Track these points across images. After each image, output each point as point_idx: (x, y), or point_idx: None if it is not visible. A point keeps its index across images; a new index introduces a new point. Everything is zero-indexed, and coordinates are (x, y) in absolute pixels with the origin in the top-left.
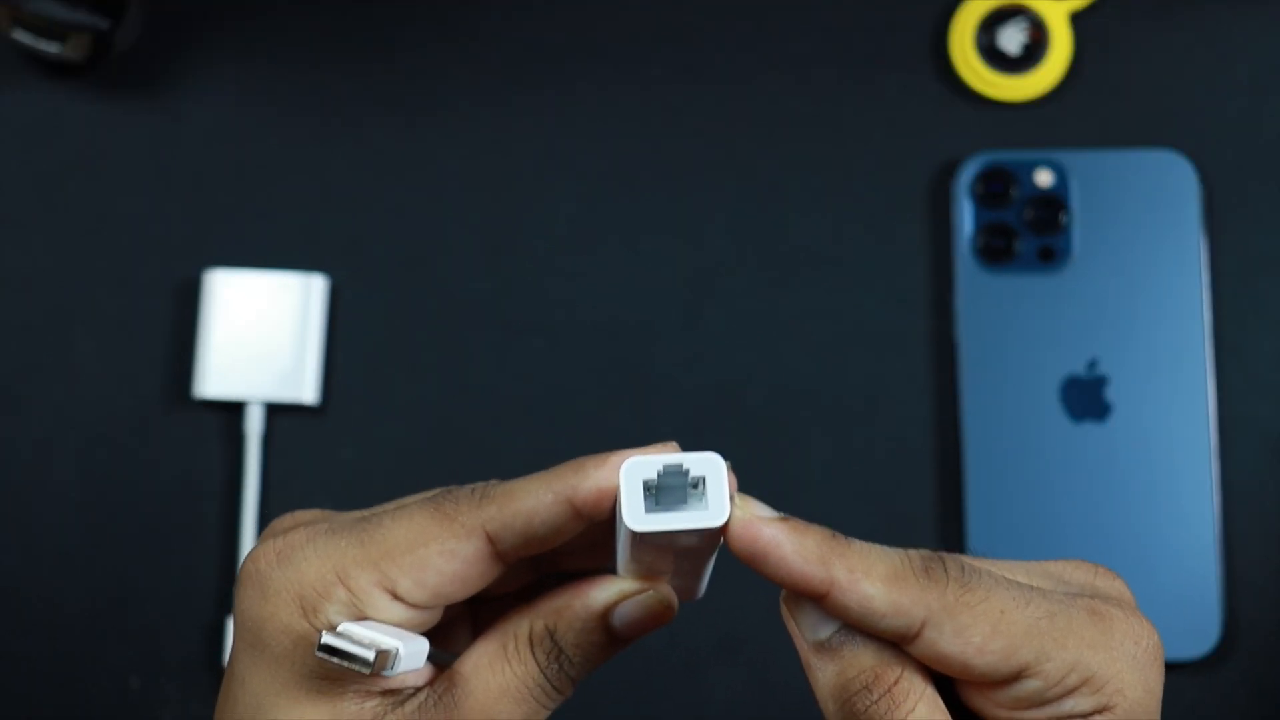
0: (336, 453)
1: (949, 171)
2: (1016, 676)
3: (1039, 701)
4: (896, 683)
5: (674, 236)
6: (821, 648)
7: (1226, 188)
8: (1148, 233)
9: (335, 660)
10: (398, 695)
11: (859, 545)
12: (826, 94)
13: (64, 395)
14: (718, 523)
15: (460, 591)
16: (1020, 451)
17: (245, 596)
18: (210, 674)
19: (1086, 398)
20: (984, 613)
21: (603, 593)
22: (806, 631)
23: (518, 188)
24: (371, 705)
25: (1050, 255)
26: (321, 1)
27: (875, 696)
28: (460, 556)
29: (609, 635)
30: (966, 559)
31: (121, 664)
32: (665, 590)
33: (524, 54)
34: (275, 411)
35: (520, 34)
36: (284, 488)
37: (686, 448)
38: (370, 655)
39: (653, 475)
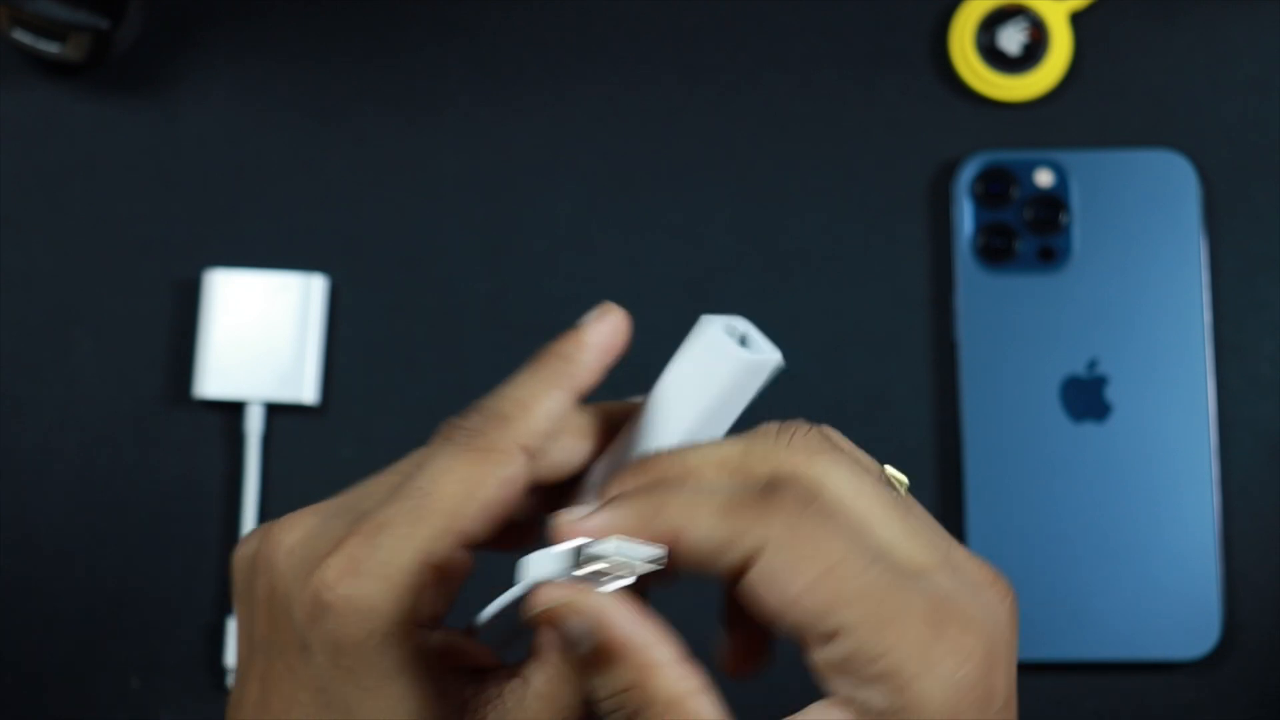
0: (336, 452)
1: (949, 171)
2: (829, 637)
3: (841, 672)
4: (644, 709)
5: (674, 236)
6: (581, 663)
7: (1227, 188)
8: (1148, 233)
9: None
10: (490, 683)
11: (686, 489)
12: (826, 94)
13: (64, 395)
14: None
15: (512, 510)
16: (1020, 451)
17: (333, 626)
18: (210, 674)
19: (1086, 398)
20: (824, 550)
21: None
22: (569, 647)
23: (518, 188)
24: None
25: (1050, 255)
26: (321, 1)
27: (625, 713)
28: (513, 482)
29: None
30: (829, 493)
31: (121, 664)
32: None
33: (524, 54)
34: (275, 411)
35: (520, 34)
36: (284, 488)
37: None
38: (656, 553)
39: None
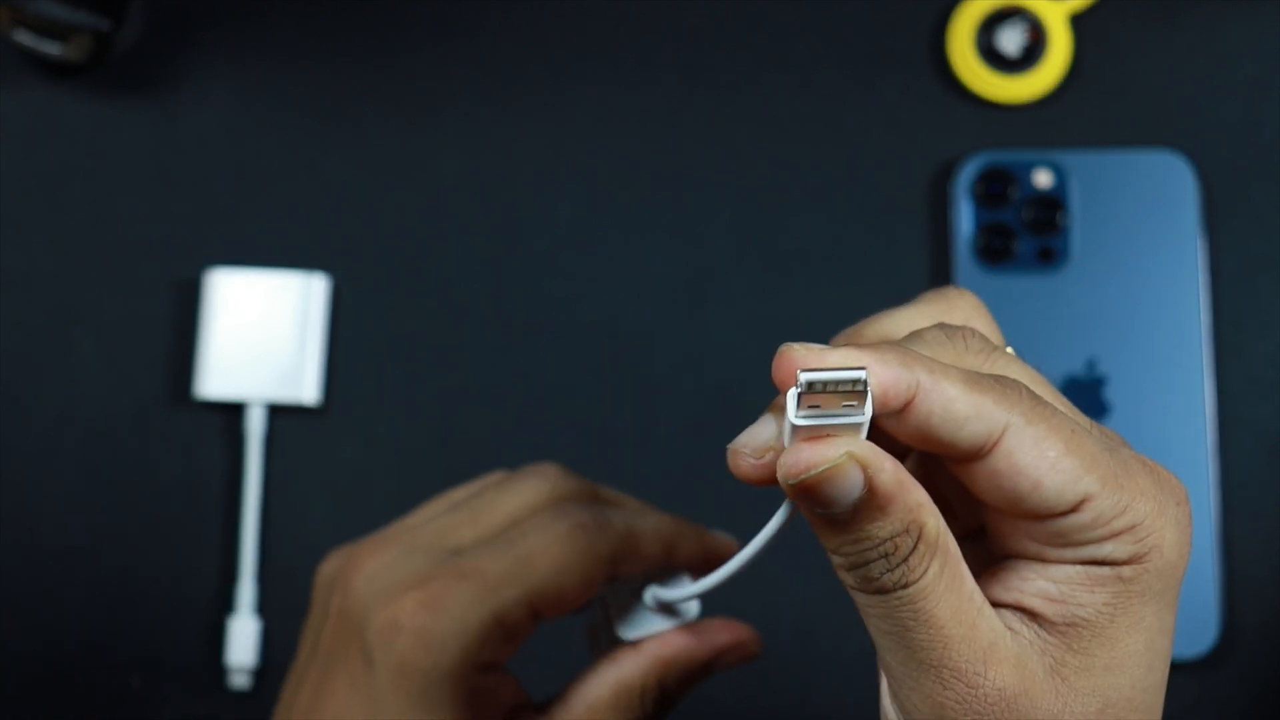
0: (337, 453)
1: (948, 172)
2: (1074, 506)
3: (1080, 540)
4: (913, 548)
5: (674, 236)
6: (834, 522)
7: (1225, 188)
8: (1146, 233)
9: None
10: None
11: (925, 350)
12: (826, 94)
13: (64, 395)
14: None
15: (579, 605)
16: None
17: (403, 649)
18: (210, 674)
19: (1085, 398)
20: (1058, 426)
21: (708, 643)
22: (821, 509)
23: (518, 188)
24: None
25: (1049, 256)
26: (321, 1)
27: (889, 563)
28: (592, 582)
29: (707, 675)
30: (1041, 388)
31: (121, 664)
32: (755, 640)
33: (524, 54)
34: (276, 412)
35: (520, 34)
36: (285, 488)
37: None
38: (860, 375)
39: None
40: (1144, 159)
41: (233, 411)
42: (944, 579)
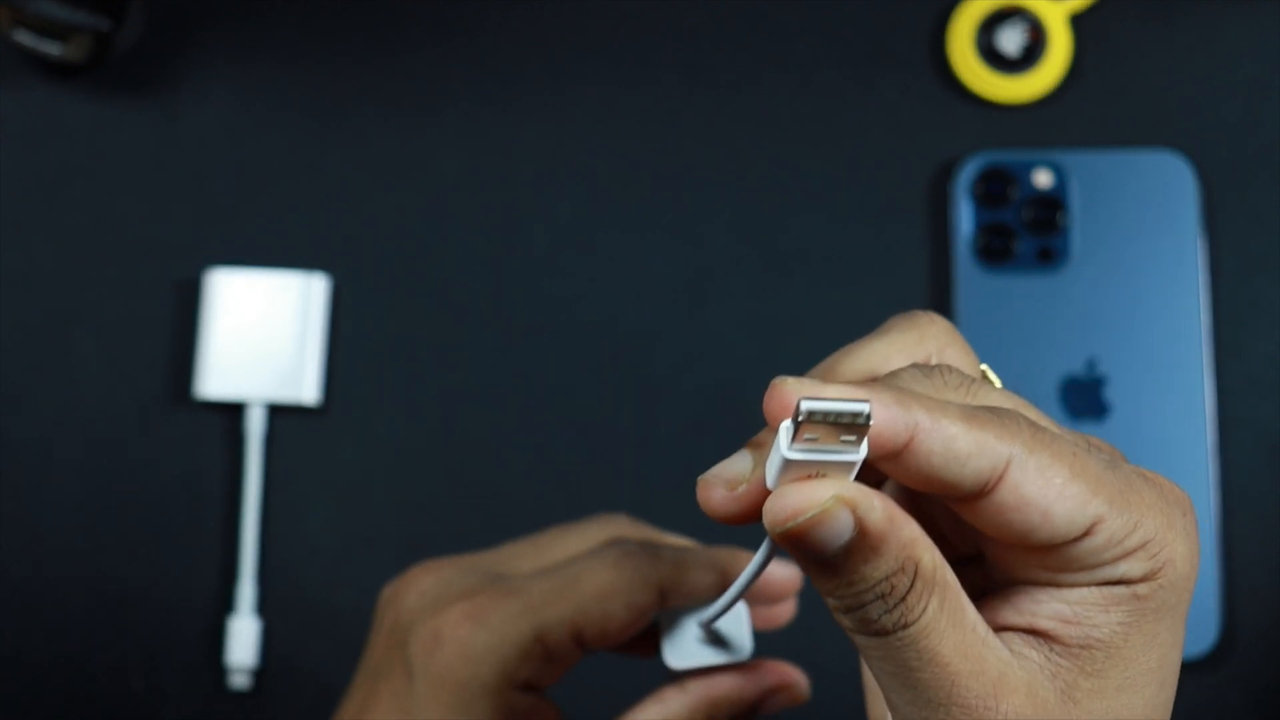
0: (337, 453)
1: (948, 172)
2: (1086, 531)
3: (1094, 563)
4: (911, 585)
5: (674, 236)
6: (825, 566)
7: (1225, 188)
8: (1146, 233)
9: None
10: None
11: (921, 387)
12: (826, 94)
13: (64, 395)
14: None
15: (627, 635)
16: None
17: (443, 660)
18: (210, 674)
19: (1085, 397)
20: (1060, 453)
21: (755, 684)
22: (811, 558)
23: (518, 188)
24: None
25: (1049, 255)
26: (321, 1)
27: (887, 605)
28: (639, 609)
29: (753, 716)
30: (1033, 413)
31: (121, 664)
32: (804, 683)
33: (524, 54)
34: (276, 412)
35: (520, 34)
36: (285, 488)
37: (686, 447)
38: (864, 408)
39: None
40: (1144, 159)
41: (233, 411)
42: (945, 614)
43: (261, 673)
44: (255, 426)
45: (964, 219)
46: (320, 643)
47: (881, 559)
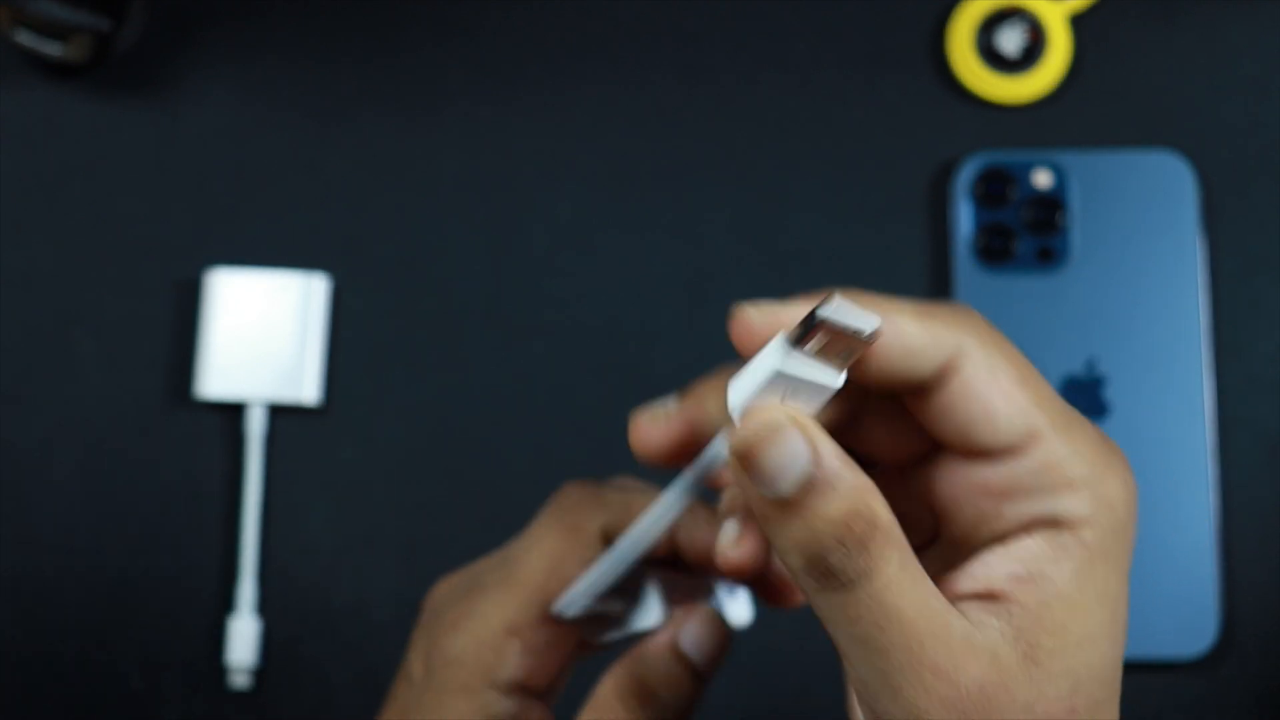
0: (338, 453)
1: (948, 172)
2: (1024, 442)
3: (1034, 486)
4: (869, 533)
5: (674, 236)
6: (783, 505)
7: (1225, 188)
8: (1146, 233)
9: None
10: None
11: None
12: (826, 94)
13: (64, 395)
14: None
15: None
16: None
17: (433, 668)
18: (210, 674)
19: (1085, 397)
20: (1012, 356)
21: (666, 631)
22: (766, 485)
23: (518, 188)
24: None
25: (1049, 256)
26: (322, 1)
27: (847, 550)
28: (590, 562)
29: (687, 667)
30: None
31: (121, 664)
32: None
33: (524, 54)
34: (276, 412)
35: (520, 34)
36: (285, 488)
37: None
38: (870, 327)
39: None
40: (1143, 159)
41: (233, 412)
42: (906, 573)
43: (261, 672)
44: (255, 426)
45: (964, 219)
46: (320, 642)
47: (837, 495)
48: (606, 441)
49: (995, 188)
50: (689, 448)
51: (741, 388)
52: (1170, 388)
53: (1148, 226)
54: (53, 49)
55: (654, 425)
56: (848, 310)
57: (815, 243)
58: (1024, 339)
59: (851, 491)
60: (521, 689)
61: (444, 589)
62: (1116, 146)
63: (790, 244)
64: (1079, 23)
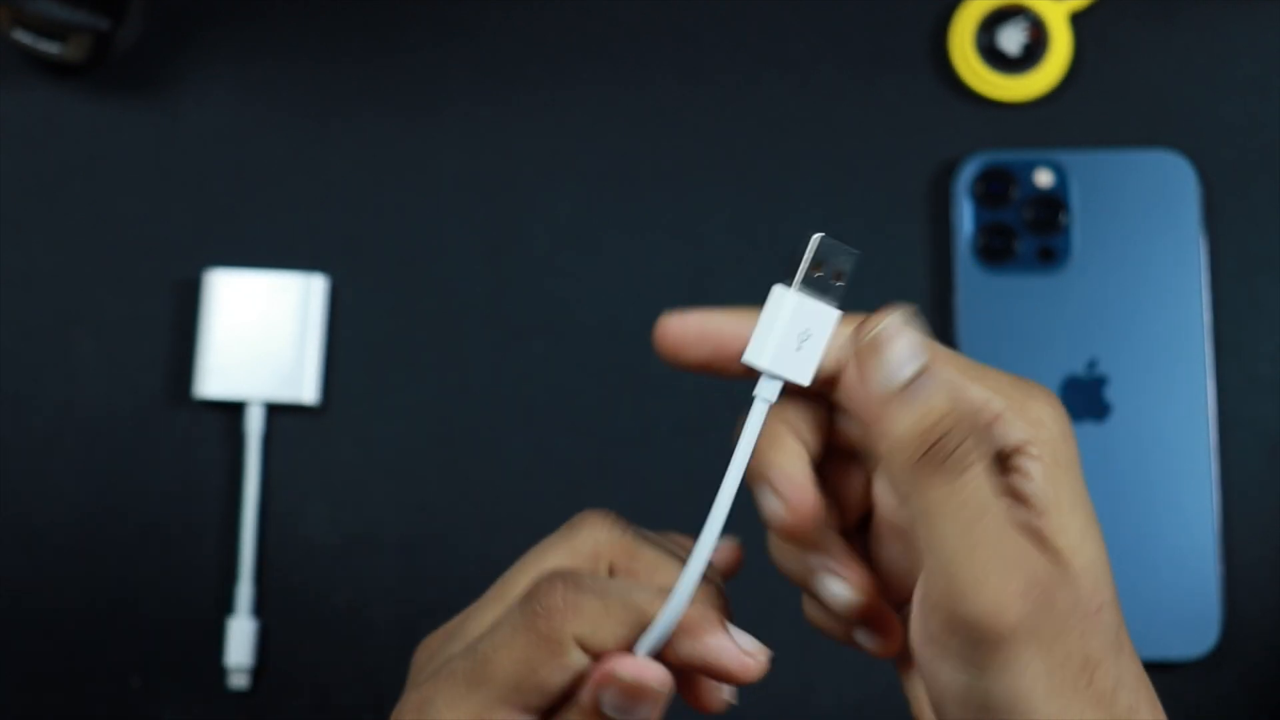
0: (337, 453)
1: (949, 171)
2: None
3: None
4: (973, 426)
5: (674, 236)
6: (897, 398)
7: (1226, 188)
8: (1147, 233)
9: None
10: None
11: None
12: (826, 94)
13: (64, 395)
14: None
15: (574, 686)
16: None
17: None
18: (210, 674)
19: (1086, 397)
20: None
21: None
22: (889, 374)
23: (518, 188)
24: None
25: (1050, 255)
26: (322, 1)
27: (957, 440)
28: (569, 668)
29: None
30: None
31: (121, 664)
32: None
33: (524, 54)
34: (275, 411)
35: (520, 34)
36: (284, 488)
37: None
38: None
39: None
40: (1144, 159)
41: (232, 411)
42: (991, 475)
43: (259, 672)
44: (255, 426)
45: (965, 218)
46: (318, 643)
47: (947, 387)
48: (606, 441)
49: (996, 187)
50: (711, 351)
51: (761, 335)
52: (1172, 388)
53: (1149, 226)
54: (52, 48)
55: (682, 324)
56: (830, 242)
57: None
58: (1025, 338)
59: (954, 390)
60: None
61: (425, 651)
62: (1118, 146)
63: (790, 244)
64: (1079, 22)
